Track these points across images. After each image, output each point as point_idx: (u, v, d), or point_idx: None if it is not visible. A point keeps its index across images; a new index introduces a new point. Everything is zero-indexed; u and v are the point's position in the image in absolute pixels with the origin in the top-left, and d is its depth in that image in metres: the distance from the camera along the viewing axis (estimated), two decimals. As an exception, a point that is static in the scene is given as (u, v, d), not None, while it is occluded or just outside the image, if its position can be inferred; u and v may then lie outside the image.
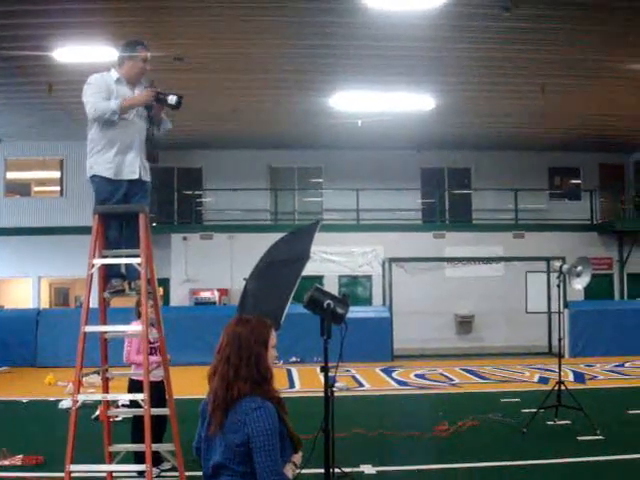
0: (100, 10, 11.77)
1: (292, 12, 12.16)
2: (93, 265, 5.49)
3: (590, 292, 19.61)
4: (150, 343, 6.76)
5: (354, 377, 14.47)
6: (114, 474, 5.94)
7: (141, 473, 5.82)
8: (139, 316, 6.93)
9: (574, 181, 25.07)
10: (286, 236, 7.16)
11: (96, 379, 10.52)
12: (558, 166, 24.66)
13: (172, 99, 5.62)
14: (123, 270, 5.77)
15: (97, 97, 5.53)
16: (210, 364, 3.24)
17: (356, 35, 13.10)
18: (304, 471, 5.98)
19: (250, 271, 6.59)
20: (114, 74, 5.71)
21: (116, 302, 6.92)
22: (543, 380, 13.62)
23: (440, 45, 13.65)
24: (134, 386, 6.77)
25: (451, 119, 19.25)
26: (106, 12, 11.86)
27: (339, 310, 5.42)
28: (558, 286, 9.79)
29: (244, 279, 6.54)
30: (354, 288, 22.51)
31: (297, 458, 3.23)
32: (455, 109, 18.21)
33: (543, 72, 15.14)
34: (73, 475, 5.28)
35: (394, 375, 14.95)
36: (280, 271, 6.31)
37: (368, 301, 22.06)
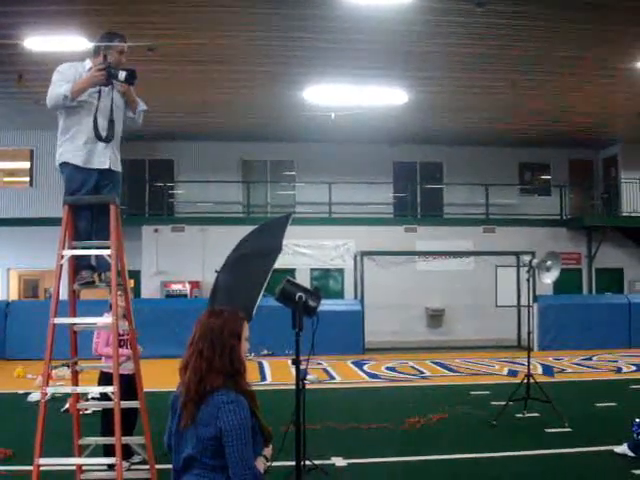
0: (72, -1, 11.64)
1: (265, 4, 12.12)
2: (63, 256, 5.44)
3: (559, 286, 19.91)
4: (119, 335, 6.72)
5: (325, 370, 14.51)
6: (84, 467, 5.89)
7: (111, 466, 5.78)
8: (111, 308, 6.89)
9: (544, 177, 25.30)
10: (258, 228, 7.15)
11: (66, 372, 10.47)
12: (528, 162, 24.88)
13: (122, 75, 5.47)
14: (93, 262, 5.72)
15: (56, 85, 5.48)
16: (182, 357, 3.23)
17: (329, 28, 13.09)
18: (275, 464, 6.00)
19: (222, 263, 6.58)
20: (87, 64, 5.66)
21: (87, 294, 6.87)
22: (512, 373, 13.77)
23: (413, 39, 13.69)
24: (105, 379, 6.73)
25: (423, 114, 19.34)
26: (79, 1, 11.72)
27: (311, 303, 5.44)
28: (528, 280, 9.89)
29: (216, 271, 6.53)
30: (326, 281, 22.56)
31: (268, 452, 3.24)
32: (427, 104, 18.29)
33: (514, 68, 15.27)
34: (42, 468, 5.24)
35: (365, 368, 15.01)
36: (252, 263, 6.31)
37: (340, 294, 22.11)
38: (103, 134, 5.50)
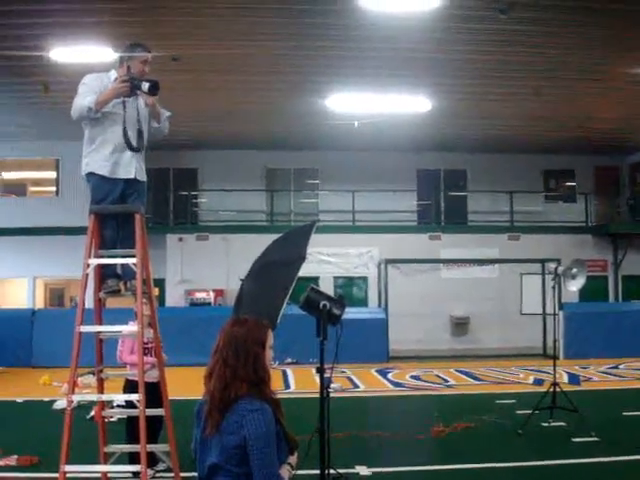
0: (97, 10, 11.75)
1: (289, 13, 12.16)
2: (89, 265, 5.48)
3: (585, 294, 19.73)
4: (144, 343, 6.75)
5: (349, 378, 14.47)
6: (109, 474, 5.92)
7: (136, 474, 5.80)
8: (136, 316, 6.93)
9: (569, 183, 25.10)
10: (282, 237, 7.16)
11: (91, 379, 10.52)
12: (553, 168, 24.69)
13: (145, 86, 5.50)
14: (119, 270, 5.76)
15: (81, 97, 5.53)
16: (206, 365, 3.23)
17: (353, 37, 13.10)
18: (299, 472, 5.99)
19: (246, 272, 6.59)
20: (113, 74, 5.72)
21: (113, 302, 6.91)
22: (538, 381, 13.64)
23: (436, 47, 13.67)
24: (130, 386, 6.76)
25: (447, 121, 19.27)
26: (103, 12, 11.84)
27: (335, 311, 5.43)
28: (553, 288, 9.79)
29: (240, 279, 6.54)
30: (350, 289, 22.53)
31: (293, 460, 3.23)
32: (451, 111, 18.23)
33: (538, 74, 15.18)
34: (68, 475, 5.27)
35: (389, 376, 14.96)
36: (276, 272, 6.31)
37: (364, 302, 22.08)
38: (134, 144, 5.55)
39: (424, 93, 16.53)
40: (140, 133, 5.63)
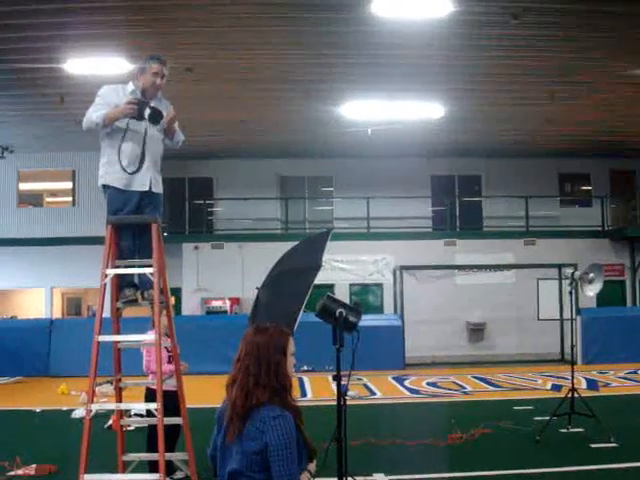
0: (111, 22, 11.85)
1: (301, 22, 12.21)
2: (106, 275, 5.52)
3: (602, 299, 19.55)
4: (168, 352, 6.78)
5: (366, 385, 14.45)
6: (128, 483, 5.94)
7: (154, 482, 5.82)
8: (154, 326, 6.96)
9: (585, 187, 24.98)
10: (297, 245, 7.18)
11: (109, 388, 10.60)
12: (568, 172, 24.56)
13: (146, 112, 5.57)
14: (136, 280, 5.81)
15: (93, 109, 5.61)
16: (225, 373, 3.26)
17: (365, 44, 13.13)
18: (317, 480, 6.01)
19: (261, 280, 6.62)
20: (130, 86, 5.78)
21: (130, 312, 6.94)
22: (556, 387, 13.57)
23: (449, 53, 13.67)
24: (151, 395, 6.77)
25: (460, 126, 19.25)
26: (117, 24, 11.93)
27: (351, 318, 5.42)
28: (570, 293, 9.74)
29: (256, 288, 6.56)
30: (365, 296, 22.49)
31: (312, 467, 3.24)
32: (464, 116, 18.22)
33: (552, 78, 15.14)
34: (87, 484, 5.31)
35: (406, 383, 14.93)
36: (292, 280, 6.33)
37: (379, 309, 22.03)
38: (129, 170, 5.62)
39: (437, 99, 16.53)
40: (142, 155, 5.68)
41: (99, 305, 5.55)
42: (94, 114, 5.55)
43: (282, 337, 3.24)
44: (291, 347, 3.25)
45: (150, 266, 5.52)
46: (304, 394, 13.65)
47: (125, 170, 5.61)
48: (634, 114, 18.01)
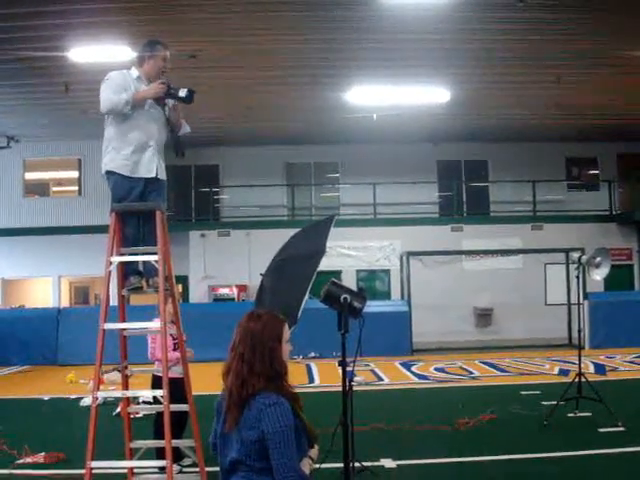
0: (115, 9, 11.83)
1: (306, 7, 12.15)
2: (111, 263, 5.53)
3: (610, 283, 19.48)
4: (173, 339, 6.79)
5: (373, 371, 14.47)
6: (135, 470, 5.97)
7: (162, 469, 5.85)
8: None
9: (592, 171, 24.87)
10: (301, 231, 7.17)
11: (117, 376, 10.63)
12: (575, 156, 24.45)
13: (183, 92, 5.61)
14: (141, 267, 5.81)
15: (111, 91, 5.57)
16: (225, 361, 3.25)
17: (370, 29, 13.07)
18: (325, 465, 6.02)
19: (266, 267, 6.61)
20: (134, 72, 5.77)
21: (138, 300, 6.97)
22: (563, 372, 13.56)
23: (454, 37, 13.59)
24: (157, 382, 6.79)
25: (466, 111, 19.17)
26: (121, 11, 11.91)
27: (356, 304, 5.43)
28: (577, 277, 9.70)
29: (261, 274, 6.56)
30: (372, 282, 22.51)
31: (313, 452, 3.23)
32: (470, 101, 18.13)
33: (558, 62, 15.03)
34: (94, 472, 5.33)
35: (413, 369, 14.94)
36: (296, 266, 6.33)
37: (386, 295, 22.05)
38: (135, 157, 5.66)
39: (443, 83, 16.45)
40: (148, 141, 5.72)
41: (104, 293, 5.56)
42: (119, 95, 5.52)
43: (277, 323, 3.22)
44: (286, 334, 3.23)
45: (155, 253, 5.51)
46: (312, 380, 13.68)
47: (131, 156, 5.59)
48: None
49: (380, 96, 16.96)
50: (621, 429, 8.46)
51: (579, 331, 10.04)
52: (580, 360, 9.53)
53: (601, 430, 8.50)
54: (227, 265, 21.40)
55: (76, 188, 23.68)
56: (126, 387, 5.93)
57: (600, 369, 13.98)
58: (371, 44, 13.86)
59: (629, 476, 6.79)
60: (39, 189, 24.61)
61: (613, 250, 16.53)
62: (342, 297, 5.40)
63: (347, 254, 21.60)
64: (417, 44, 13.85)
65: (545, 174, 23.17)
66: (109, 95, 5.54)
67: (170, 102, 5.77)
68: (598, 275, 9.61)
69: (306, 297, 6.04)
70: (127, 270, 5.76)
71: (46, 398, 12.03)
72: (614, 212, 23.26)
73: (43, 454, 7.64)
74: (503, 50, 14.34)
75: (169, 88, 5.60)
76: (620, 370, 14.07)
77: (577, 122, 20.73)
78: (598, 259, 9.52)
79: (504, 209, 23.32)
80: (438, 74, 15.78)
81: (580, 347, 9.92)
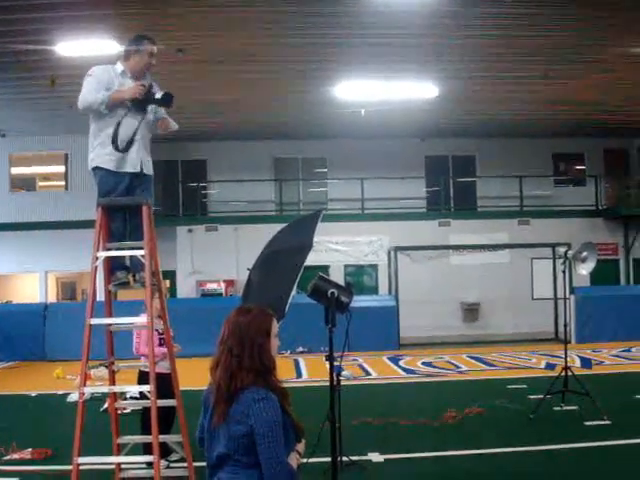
0: (103, 3, 11.75)
1: (294, 2, 12.12)
2: (97, 258, 5.51)
3: (596, 278, 19.64)
4: (160, 335, 6.79)
5: (361, 366, 14.50)
6: (122, 465, 5.96)
7: (149, 464, 5.85)
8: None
9: (579, 167, 24.98)
10: (288, 226, 7.17)
11: (104, 372, 10.61)
12: (562, 152, 24.55)
13: (160, 94, 5.57)
14: (127, 262, 5.79)
15: (90, 88, 5.54)
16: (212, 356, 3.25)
17: (358, 24, 13.05)
18: (312, 460, 6.04)
19: (254, 261, 6.61)
20: (119, 67, 5.72)
21: (125, 295, 6.94)
22: (550, 366, 13.64)
23: (442, 32, 13.59)
24: (144, 378, 6.79)
25: (454, 107, 19.19)
26: (108, 5, 11.84)
27: (343, 298, 5.44)
28: (563, 272, 9.78)
29: (248, 269, 6.56)
30: (360, 277, 22.54)
31: (300, 447, 3.23)
32: (458, 97, 18.14)
33: (546, 58, 15.06)
34: (81, 467, 5.32)
35: (401, 363, 14.98)
36: (283, 260, 6.33)
37: (374, 290, 22.08)
38: (121, 145, 5.57)
39: (431, 79, 16.46)
40: (130, 143, 5.60)
41: (91, 288, 5.54)
42: (96, 94, 5.48)
43: (265, 318, 3.22)
44: (274, 328, 3.23)
45: (141, 248, 5.50)
46: (300, 375, 13.69)
47: (117, 150, 5.56)
48: (628, 93, 17.96)
49: (368, 91, 16.93)
50: (607, 423, 8.54)
51: (565, 325, 10.10)
52: (566, 354, 9.60)
53: (587, 424, 8.57)
54: (215, 260, 21.37)
55: (63, 183, 23.56)
56: (113, 383, 5.92)
57: (586, 363, 14.06)
58: (359, 39, 13.84)
59: (615, 469, 6.84)
60: (26, 184, 24.48)
61: (599, 245, 16.62)
62: (329, 292, 5.42)
63: (335, 249, 21.61)
64: (405, 39, 13.85)
65: (532, 169, 23.25)
66: (86, 94, 5.52)
67: (152, 110, 5.73)
68: (584, 270, 9.67)
69: (293, 291, 6.04)
70: (114, 265, 5.74)
71: (33, 394, 11.99)
72: (600, 207, 23.37)
73: (30, 450, 7.63)
74: (491, 46, 14.35)
75: (148, 91, 5.55)
76: (606, 364, 14.17)
77: (564, 118, 20.80)
78: (584, 254, 9.58)
79: (491, 204, 23.37)
80: (426, 70, 15.79)
81: (566, 341, 9.98)
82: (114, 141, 5.52)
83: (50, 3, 11.61)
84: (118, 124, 5.53)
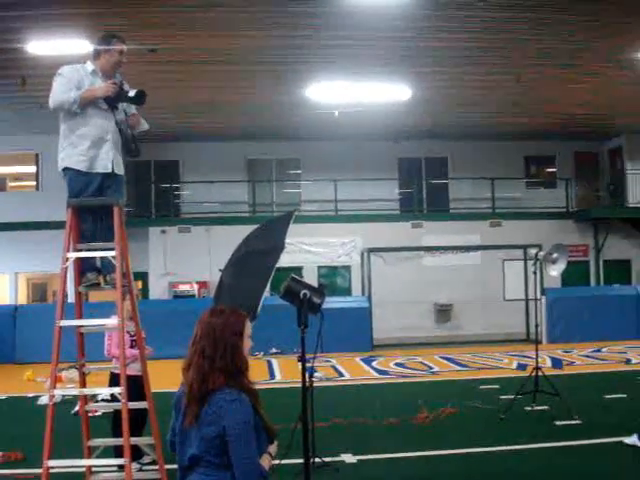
0: (74, 2, 11.65)
1: (266, 3, 12.11)
2: (67, 259, 5.46)
3: (567, 279, 19.88)
4: (131, 336, 6.74)
5: (334, 367, 14.51)
6: (93, 469, 5.91)
7: (121, 467, 5.80)
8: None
9: (550, 169, 25.23)
10: (260, 227, 7.16)
11: (75, 374, 10.50)
12: (534, 155, 24.78)
13: (132, 92, 5.55)
14: (98, 264, 5.74)
15: (61, 88, 5.50)
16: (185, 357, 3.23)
17: (331, 25, 13.07)
18: (285, 461, 6.03)
19: (226, 262, 6.59)
20: (89, 66, 5.69)
21: (96, 296, 6.88)
22: (521, 367, 13.75)
23: (415, 34, 13.65)
24: (115, 380, 6.74)
25: (427, 109, 19.29)
26: (80, 4, 11.73)
27: (315, 299, 5.45)
28: (534, 273, 9.88)
29: (219, 270, 6.54)
30: (333, 279, 22.56)
31: (273, 448, 3.23)
32: (431, 99, 18.25)
33: (518, 61, 15.20)
34: (52, 470, 5.27)
35: (374, 364, 15.01)
36: (255, 261, 6.33)
37: (347, 291, 22.12)
38: (91, 152, 5.58)
39: (404, 81, 16.52)
40: (104, 136, 5.64)
41: (60, 289, 5.49)
42: (67, 93, 5.44)
43: (238, 319, 3.21)
44: (247, 329, 3.23)
45: (112, 249, 5.46)
46: (272, 376, 13.67)
47: (88, 151, 5.52)
48: (598, 97, 18.17)
49: (341, 93, 16.98)
50: (577, 422, 8.64)
51: (537, 326, 10.21)
52: (537, 355, 9.67)
53: (558, 423, 8.66)
54: (188, 261, 21.27)
55: (34, 183, 23.29)
56: (84, 385, 5.87)
57: (557, 363, 14.20)
58: (332, 41, 13.85)
59: (585, 468, 6.91)
60: (-4, 184, 24.19)
61: (570, 247, 16.81)
62: (302, 293, 5.42)
63: (308, 250, 21.61)
64: (378, 41, 13.89)
65: (504, 172, 23.44)
66: (57, 93, 5.48)
67: (123, 108, 5.71)
68: (555, 271, 9.77)
69: (265, 293, 6.04)
70: (84, 266, 5.69)
71: (3, 397, 11.85)
72: (571, 209, 23.62)
73: (0, 453, 7.54)
74: (463, 49, 14.45)
75: (120, 89, 5.53)
76: (576, 364, 14.31)
77: (536, 121, 20.99)
78: (555, 255, 9.67)
79: (463, 206, 23.52)
80: (399, 72, 15.84)
81: (537, 342, 10.06)
82: (82, 145, 5.50)
83: (22, 2, 11.48)
84: (81, 129, 5.51)
